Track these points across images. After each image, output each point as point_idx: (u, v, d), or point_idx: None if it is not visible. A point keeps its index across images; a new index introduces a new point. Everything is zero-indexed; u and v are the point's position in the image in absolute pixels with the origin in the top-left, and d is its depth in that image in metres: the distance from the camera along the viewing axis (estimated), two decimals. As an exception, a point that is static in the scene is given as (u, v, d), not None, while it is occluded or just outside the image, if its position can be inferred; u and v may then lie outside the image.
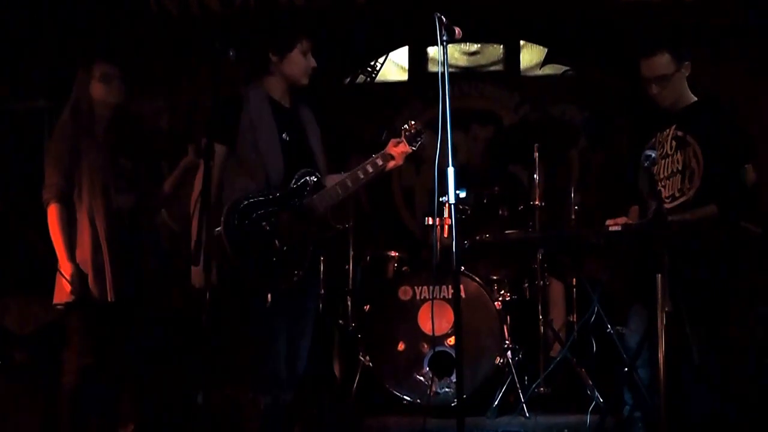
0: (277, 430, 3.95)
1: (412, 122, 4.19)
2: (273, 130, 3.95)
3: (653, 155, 3.76)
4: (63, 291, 4.38)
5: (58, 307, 4.41)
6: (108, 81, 4.51)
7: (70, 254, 4.34)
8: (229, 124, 3.89)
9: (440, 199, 3.41)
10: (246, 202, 3.82)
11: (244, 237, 3.78)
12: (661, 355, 3.48)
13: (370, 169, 4.05)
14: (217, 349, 4.67)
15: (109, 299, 4.34)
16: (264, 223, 3.81)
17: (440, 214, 4.79)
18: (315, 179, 3.97)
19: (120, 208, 4.46)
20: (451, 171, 3.31)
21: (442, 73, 3.34)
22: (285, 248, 3.83)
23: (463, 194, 5.11)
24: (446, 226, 5.31)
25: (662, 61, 4.16)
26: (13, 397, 4.99)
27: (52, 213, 4.35)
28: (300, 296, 3.97)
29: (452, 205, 3.31)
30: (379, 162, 4.07)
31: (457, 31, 3.43)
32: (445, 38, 3.40)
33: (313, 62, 4.04)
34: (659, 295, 3.46)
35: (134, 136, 4.70)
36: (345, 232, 5.65)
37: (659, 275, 3.46)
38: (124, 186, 4.52)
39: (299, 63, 4.01)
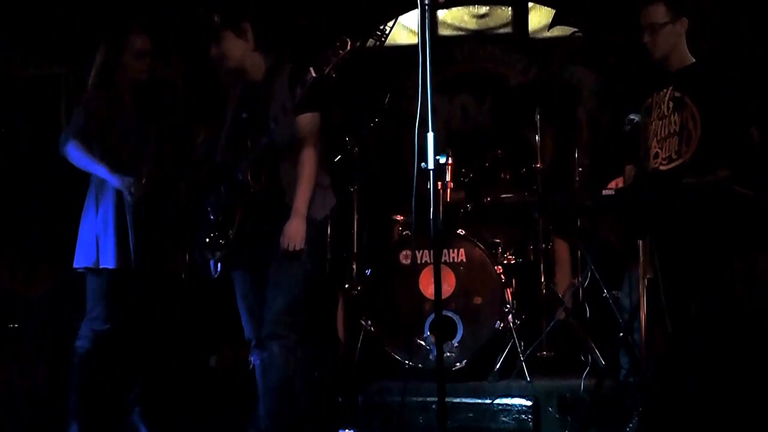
0: None
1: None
2: (228, 111, 4.01)
3: (636, 119, 3.71)
4: (83, 255, 4.40)
5: (79, 270, 4.44)
6: (142, 57, 4.48)
7: (112, 168, 4.35)
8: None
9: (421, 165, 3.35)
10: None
11: (199, 215, 4.02)
12: (642, 323, 3.46)
13: None
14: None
15: (132, 267, 4.38)
16: (207, 200, 3.99)
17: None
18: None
19: (145, 177, 4.44)
20: (430, 136, 3.25)
21: (423, 38, 3.30)
22: (219, 217, 3.92)
23: (443, 159, 5.05)
24: (448, 189, 5.32)
25: (656, 10, 4.12)
26: (21, 359, 5.09)
27: (74, 146, 4.33)
28: (259, 256, 3.92)
29: (432, 171, 3.26)
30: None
31: (439, -6, 3.39)
32: (427, 1, 3.34)
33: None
34: (641, 262, 3.43)
35: (161, 104, 4.71)
36: (350, 194, 5.64)
37: (640, 241, 3.43)
38: (150, 154, 4.53)
39: None
